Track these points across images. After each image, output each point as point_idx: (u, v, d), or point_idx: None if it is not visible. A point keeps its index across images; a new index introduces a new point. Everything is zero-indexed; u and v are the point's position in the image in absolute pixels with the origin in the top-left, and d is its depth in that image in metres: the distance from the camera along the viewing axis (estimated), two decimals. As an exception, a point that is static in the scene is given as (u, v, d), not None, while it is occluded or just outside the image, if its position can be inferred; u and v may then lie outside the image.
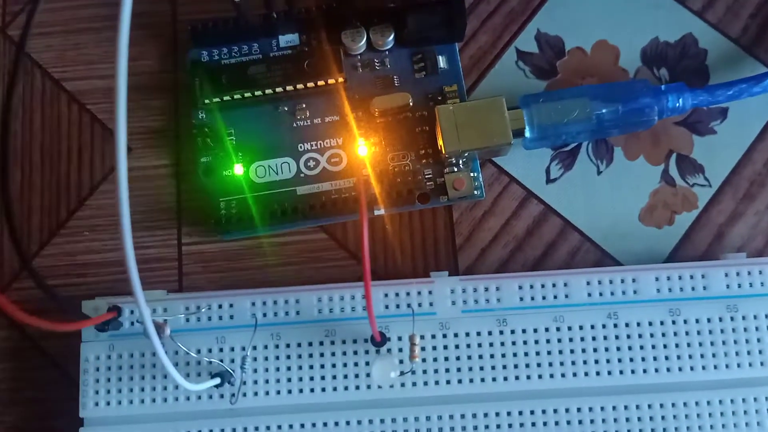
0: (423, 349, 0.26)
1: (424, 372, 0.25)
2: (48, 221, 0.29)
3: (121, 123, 0.15)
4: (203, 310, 0.26)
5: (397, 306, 0.26)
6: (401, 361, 0.26)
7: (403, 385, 0.25)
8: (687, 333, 0.25)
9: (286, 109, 0.28)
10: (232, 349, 0.26)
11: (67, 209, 0.29)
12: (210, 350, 0.26)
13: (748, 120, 0.28)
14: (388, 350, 0.26)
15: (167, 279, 0.28)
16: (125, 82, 0.15)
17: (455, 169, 0.27)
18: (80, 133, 0.30)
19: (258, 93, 0.27)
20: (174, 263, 0.28)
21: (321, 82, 0.27)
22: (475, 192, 0.27)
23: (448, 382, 0.25)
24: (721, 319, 0.25)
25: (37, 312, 0.19)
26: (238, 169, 0.27)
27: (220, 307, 0.26)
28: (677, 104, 0.27)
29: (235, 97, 0.28)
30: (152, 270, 0.28)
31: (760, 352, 0.25)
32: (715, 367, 0.25)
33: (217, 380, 0.24)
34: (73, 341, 0.26)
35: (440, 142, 0.26)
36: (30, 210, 0.29)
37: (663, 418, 0.25)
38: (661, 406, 0.25)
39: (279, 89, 0.27)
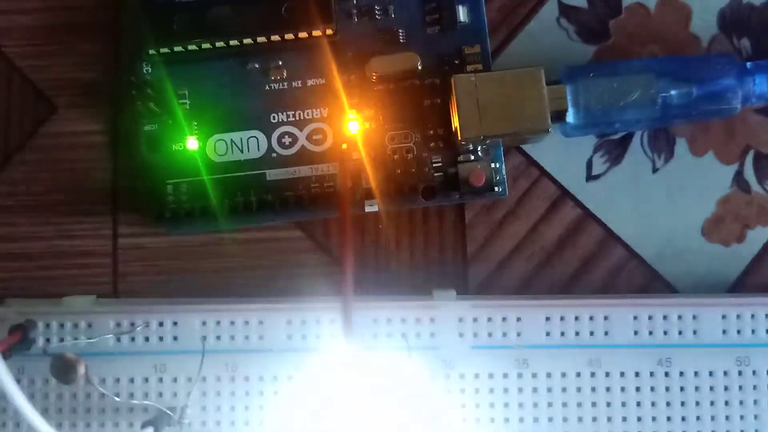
0: (420, 392, 0.21)
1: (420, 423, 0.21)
2: (-53, 198, 0.24)
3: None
4: (138, 328, 0.21)
5: (389, 335, 0.21)
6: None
7: (391, 436, 0.21)
8: (755, 387, 0.21)
9: (257, 66, 0.23)
10: (175, 381, 0.21)
11: (-29, 184, 0.24)
12: (146, 380, 0.21)
13: None
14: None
15: (98, 280, 0.23)
16: None
17: (472, 158, 0.23)
18: (-9, 85, 0.24)
19: (220, 44, 0.23)
20: (107, 260, 0.24)
21: (303, 34, 0.23)
22: (496, 188, 0.23)
23: (449, 436, 0.21)
24: (799, 372, 0.21)
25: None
26: (192, 144, 0.23)
27: (161, 325, 0.22)
28: (766, 89, 0.22)
29: (191, 48, 0.23)
30: (80, 267, 0.24)
31: None
32: (789, 431, 0.21)
33: (149, 430, 0.19)
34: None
35: (455, 122, 0.22)
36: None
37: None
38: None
39: (248, 40, 0.23)
